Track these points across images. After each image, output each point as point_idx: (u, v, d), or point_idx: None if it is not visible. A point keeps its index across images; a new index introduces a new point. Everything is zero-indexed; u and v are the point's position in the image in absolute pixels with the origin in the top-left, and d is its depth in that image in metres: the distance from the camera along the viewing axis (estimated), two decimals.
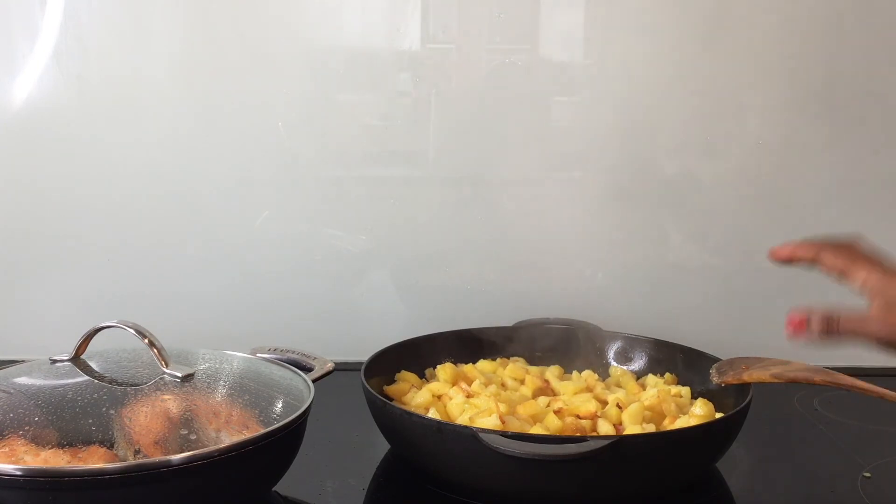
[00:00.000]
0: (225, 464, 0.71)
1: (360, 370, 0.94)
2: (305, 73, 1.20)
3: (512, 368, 1.05)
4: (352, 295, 1.26)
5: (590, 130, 1.22)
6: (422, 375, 1.05)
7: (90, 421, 0.74)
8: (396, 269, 1.26)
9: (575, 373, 1.07)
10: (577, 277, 1.25)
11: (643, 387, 1.03)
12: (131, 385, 0.80)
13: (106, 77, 1.19)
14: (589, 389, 1.00)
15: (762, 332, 1.25)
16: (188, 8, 1.17)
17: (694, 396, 0.99)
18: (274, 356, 0.94)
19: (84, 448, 0.71)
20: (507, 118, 1.22)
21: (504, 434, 0.78)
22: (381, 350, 1.01)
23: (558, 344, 1.11)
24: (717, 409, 0.94)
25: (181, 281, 1.24)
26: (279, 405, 0.82)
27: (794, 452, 1.00)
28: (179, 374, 0.81)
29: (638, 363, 1.09)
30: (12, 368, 0.86)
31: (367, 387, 0.90)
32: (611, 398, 0.94)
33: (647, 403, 0.93)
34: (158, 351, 0.83)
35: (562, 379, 1.04)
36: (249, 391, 0.83)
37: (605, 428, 0.89)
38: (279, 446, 0.78)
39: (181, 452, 0.70)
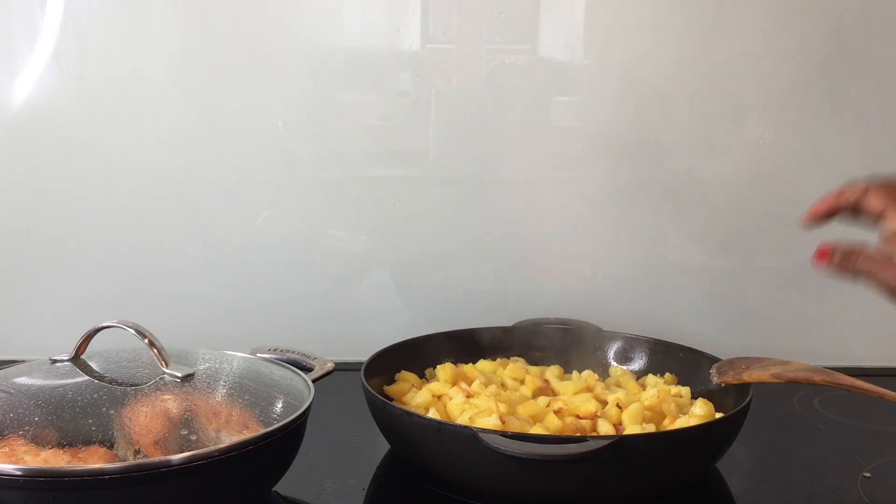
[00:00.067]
0: (225, 464, 0.71)
1: (360, 370, 0.94)
2: (305, 73, 1.20)
3: (512, 368, 1.05)
4: (352, 295, 1.26)
5: (590, 130, 1.22)
6: (422, 375, 1.05)
7: (90, 421, 0.74)
8: (396, 269, 1.26)
9: (575, 373, 1.07)
10: (577, 277, 1.25)
11: (643, 387, 1.02)
12: (131, 385, 0.80)
13: (106, 77, 1.19)
14: (589, 389, 1.00)
15: (762, 332, 1.26)
16: (188, 8, 1.18)
17: (694, 396, 0.99)
18: (274, 356, 0.94)
19: (84, 448, 0.71)
20: (507, 118, 1.22)
21: (504, 434, 0.78)
22: (381, 350, 1.01)
23: (558, 344, 1.11)
24: (717, 409, 0.94)
25: (181, 281, 1.24)
26: (279, 405, 0.82)
27: (794, 452, 1.00)
28: (179, 374, 0.81)
29: (638, 363, 1.09)
30: (12, 368, 0.86)
31: (367, 387, 0.90)
32: (611, 398, 0.94)
33: (647, 403, 0.93)
34: (158, 351, 0.83)
35: (562, 379, 1.04)
36: (249, 391, 0.83)
37: (605, 428, 0.89)
38: (279, 446, 0.78)
39: (181, 452, 0.70)
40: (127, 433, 0.74)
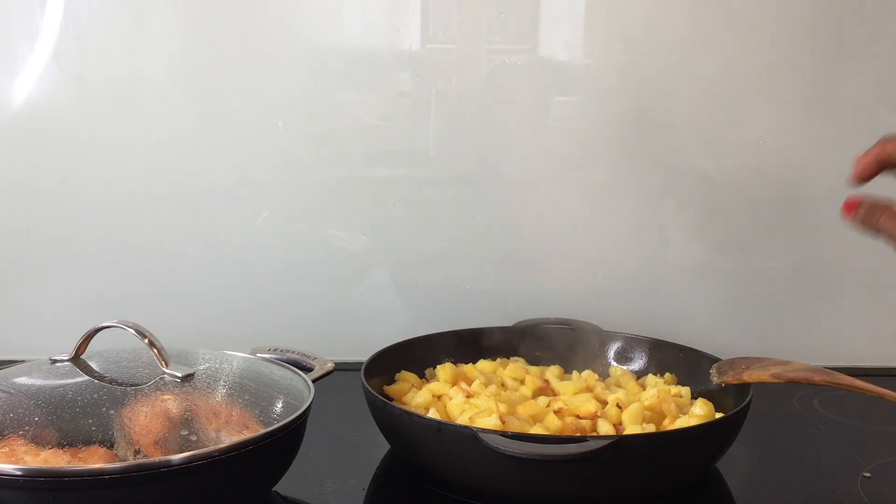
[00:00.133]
0: (225, 464, 0.71)
1: (360, 370, 0.94)
2: (305, 73, 1.20)
3: (512, 368, 1.05)
4: (352, 295, 1.26)
5: (590, 130, 1.22)
6: (422, 375, 1.05)
7: (90, 421, 0.74)
8: (396, 269, 1.26)
9: (575, 373, 1.07)
10: (577, 277, 1.25)
11: (643, 387, 1.02)
12: (131, 385, 0.80)
13: (106, 77, 1.19)
14: (589, 389, 1.00)
15: (762, 332, 1.26)
16: (188, 8, 1.18)
17: (694, 396, 0.99)
18: (274, 356, 0.94)
19: (84, 448, 0.71)
20: (507, 118, 1.22)
21: (504, 434, 0.78)
22: (381, 350, 1.01)
23: (558, 344, 1.11)
24: (717, 409, 0.94)
25: (181, 281, 1.24)
26: (279, 405, 0.82)
27: (794, 452, 1.00)
28: (179, 374, 0.81)
29: (638, 363, 1.09)
30: (12, 368, 0.85)
31: (367, 387, 0.90)
32: (611, 398, 0.94)
33: (647, 403, 0.93)
34: (158, 351, 0.83)
35: (562, 379, 1.04)
36: (249, 391, 0.83)
37: (605, 428, 0.89)
38: (279, 446, 0.78)
39: (181, 452, 0.70)
40: (127, 433, 0.73)
